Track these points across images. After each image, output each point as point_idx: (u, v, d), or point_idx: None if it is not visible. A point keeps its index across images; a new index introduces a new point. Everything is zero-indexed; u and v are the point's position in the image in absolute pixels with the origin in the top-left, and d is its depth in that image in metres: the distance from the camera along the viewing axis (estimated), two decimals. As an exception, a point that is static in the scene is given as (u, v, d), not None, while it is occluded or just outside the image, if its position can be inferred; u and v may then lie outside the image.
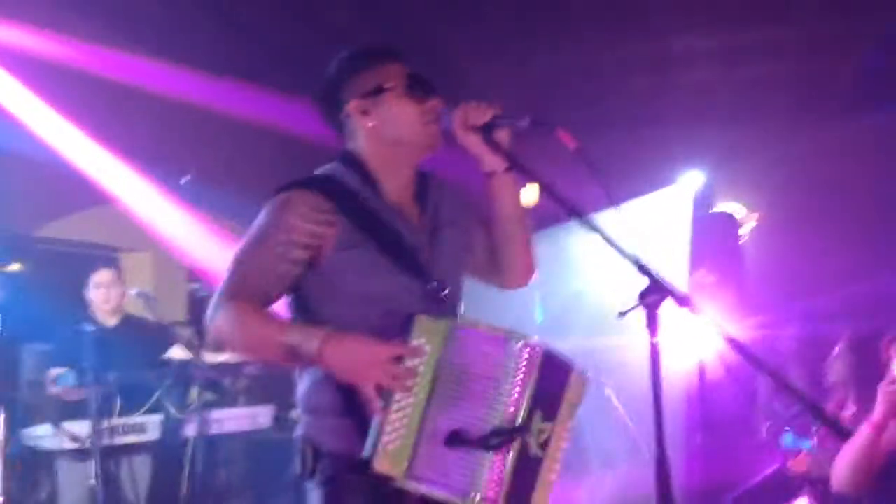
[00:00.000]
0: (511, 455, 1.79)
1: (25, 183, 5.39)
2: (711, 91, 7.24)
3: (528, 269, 2.23)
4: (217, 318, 1.91)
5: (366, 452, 1.79)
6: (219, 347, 2.02)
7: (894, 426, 2.95)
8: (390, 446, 1.79)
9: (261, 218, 1.98)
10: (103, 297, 4.68)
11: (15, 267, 5.45)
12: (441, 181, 2.19)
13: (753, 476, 4.68)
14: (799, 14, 5.85)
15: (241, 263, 1.96)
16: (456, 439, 1.78)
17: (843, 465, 3.00)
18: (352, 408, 1.86)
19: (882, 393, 2.92)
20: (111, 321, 4.73)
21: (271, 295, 1.95)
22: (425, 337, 1.83)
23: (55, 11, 4.89)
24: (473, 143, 2.03)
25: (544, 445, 1.88)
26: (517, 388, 1.79)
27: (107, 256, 5.90)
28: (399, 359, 1.81)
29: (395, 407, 1.81)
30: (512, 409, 1.79)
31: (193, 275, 7.05)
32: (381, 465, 1.79)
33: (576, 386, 1.95)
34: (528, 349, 1.81)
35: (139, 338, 4.73)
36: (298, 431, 2.01)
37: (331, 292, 1.96)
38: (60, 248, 6.03)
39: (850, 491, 3.03)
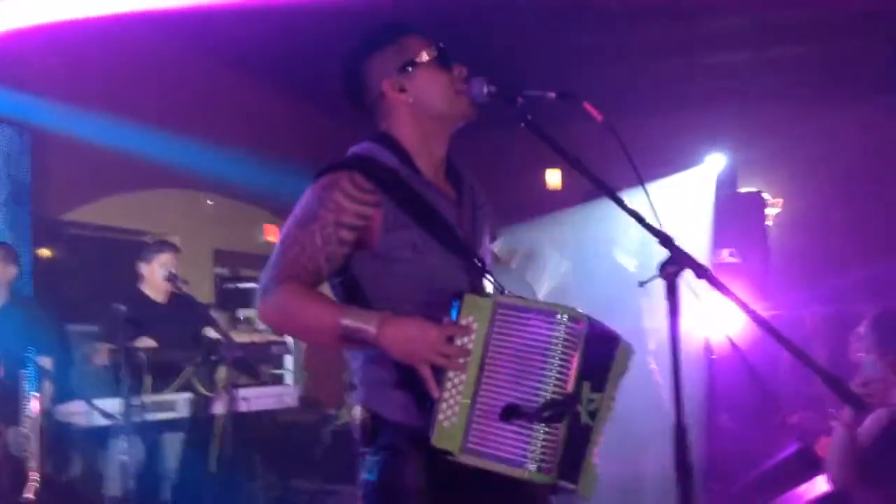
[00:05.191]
0: (563, 425, 1.83)
1: (58, 165, 5.50)
2: (737, 73, 7.21)
3: None
4: (269, 300, 1.92)
5: (428, 431, 1.84)
6: (270, 328, 2.04)
7: (870, 421, 2.97)
8: (446, 423, 1.83)
9: (306, 199, 1.98)
10: (164, 276, 4.83)
11: (45, 252, 5.59)
12: (469, 172, 2.21)
13: (772, 457, 4.69)
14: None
15: (289, 245, 1.95)
16: (511, 413, 1.81)
17: (829, 463, 3.02)
18: (409, 381, 1.90)
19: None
20: (161, 298, 4.90)
21: (321, 276, 1.96)
22: (473, 314, 1.85)
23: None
24: None
25: (593, 415, 1.91)
26: (566, 360, 1.82)
27: (137, 240, 5.99)
28: (451, 338, 1.84)
29: (449, 385, 1.84)
30: (562, 380, 1.82)
31: (220, 259, 7.17)
32: (439, 442, 1.84)
33: (622, 357, 1.96)
34: (574, 321, 1.83)
35: (187, 315, 4.91)
36: (356, 401, 2.04)
37: (380, 272, 1.97)
38: (90, 233, 6.14)
39: (840, 487, 3.05)
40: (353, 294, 2.00)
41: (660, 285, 1.83)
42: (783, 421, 4.39)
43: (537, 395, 1.80)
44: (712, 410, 4.81)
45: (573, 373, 1.83)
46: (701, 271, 1.83)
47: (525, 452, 1.80)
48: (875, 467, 2.94)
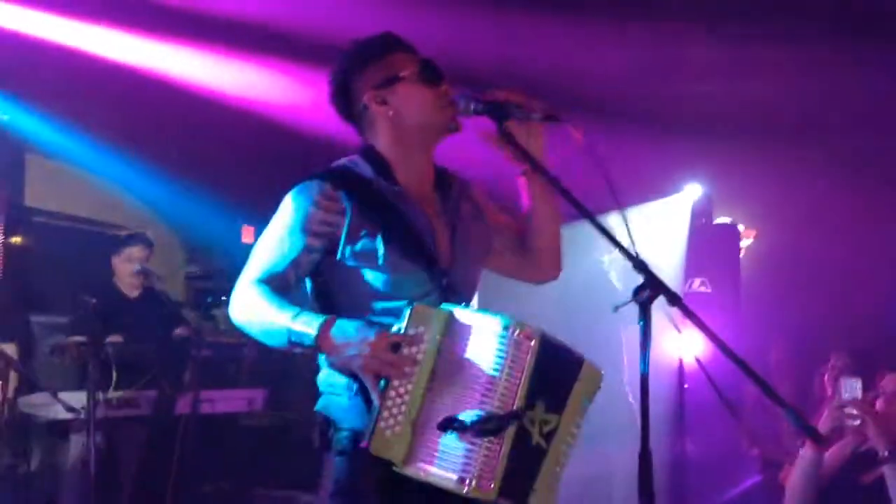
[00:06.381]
0: (506, 441, 1.81)
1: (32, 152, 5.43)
2: (717, 104, 7.29)
3: (555, 263, 2.29)
4: (236, 300, 2.00)
5: (366, 437, 1.84)
6: (239, 329, 2.07)
7: (838, 448, 2.99)
8: (388, 432, 1.83)
9: (281, 206, 2.06)
10: (136, 271, 4.79)
11: (17, 239, 5.52)
12: (465, 180, 2.24)
13: (735, 486, 4.73)
14: (806, 33, 5.90)
15: (261, 249, 2.05)
16: (448, 425, 1.80)
17: (791, 486, 3.04)
18: (363, 389, 1.91)
19: (828, 415, 2.94)
20: (134, 293, 4.85)
21: (288, 280, 2.02)
22: (423, 325, 1.85)
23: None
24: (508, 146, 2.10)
25: (548, 437, 1.89)
26: (511, 375, 1.81)
27: (112, 234, 5.93)
28: (397, 346, 1.85)
29: (392, 393, 1.84)
30: (506, 395, 1.80)
31: (192, 256, 7.10)
32: (379, 450, 1.84)
33: (587, 379, 1.94)
34: (523, 336, 1.82)
35: (158, 312, 4.86)
36: (317, 407, 2.07)
37: (345, 279, 2.02)
38: (63, 223, 6.07)
39: None
40: (324, 298, 2.06)
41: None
42: (747, 451, 4.43)
43: (481, 409, 1.79)
44: (679, 436, 4.84)
45: (519, 388, 1.81)
46: (673, 298, 1.86)
47: (465, 467, 1.79)
48: (834, 497, 2.96)
